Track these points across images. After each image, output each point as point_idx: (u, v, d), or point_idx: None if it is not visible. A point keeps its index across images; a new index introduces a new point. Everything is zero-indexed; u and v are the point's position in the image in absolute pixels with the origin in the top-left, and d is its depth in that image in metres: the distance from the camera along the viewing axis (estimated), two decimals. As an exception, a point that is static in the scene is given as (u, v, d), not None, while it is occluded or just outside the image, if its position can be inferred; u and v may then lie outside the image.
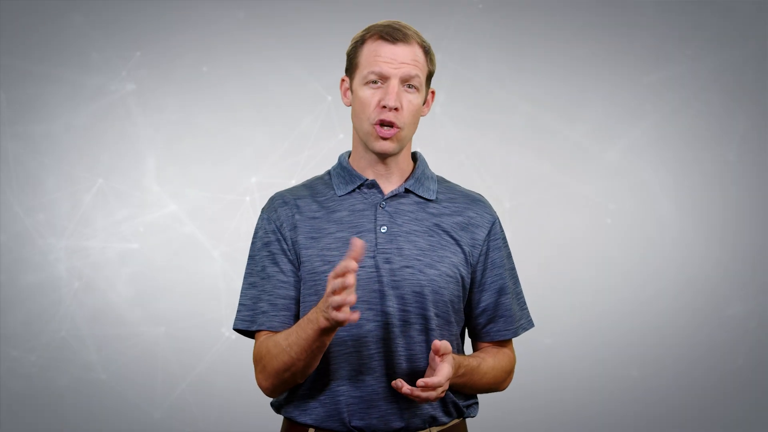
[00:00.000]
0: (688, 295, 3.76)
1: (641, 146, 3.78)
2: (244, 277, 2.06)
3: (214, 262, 3.68)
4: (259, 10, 3.71)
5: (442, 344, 1.85)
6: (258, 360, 1.99)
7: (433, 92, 2.08)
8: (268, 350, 1.95)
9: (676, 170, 3.79)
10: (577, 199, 3.78)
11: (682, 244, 3.77)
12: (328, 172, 2.10)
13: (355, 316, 1.78)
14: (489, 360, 2.04)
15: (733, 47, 3.74)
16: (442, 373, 1.85)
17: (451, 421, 2.03)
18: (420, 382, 1.83)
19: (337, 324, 1.79)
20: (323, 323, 1.81)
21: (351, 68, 2.02)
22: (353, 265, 1.74)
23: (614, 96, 3.78)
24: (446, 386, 1.87)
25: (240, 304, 2.04)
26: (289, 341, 1.90)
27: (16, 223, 3.60)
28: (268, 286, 2.00)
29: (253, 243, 2.07)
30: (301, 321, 1.90)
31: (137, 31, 3.65)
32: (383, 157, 2.01)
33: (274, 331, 1.98)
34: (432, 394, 1.84)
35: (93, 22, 3.63)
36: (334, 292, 1.75)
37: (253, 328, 2.01)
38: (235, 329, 2.04)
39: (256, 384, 2.02)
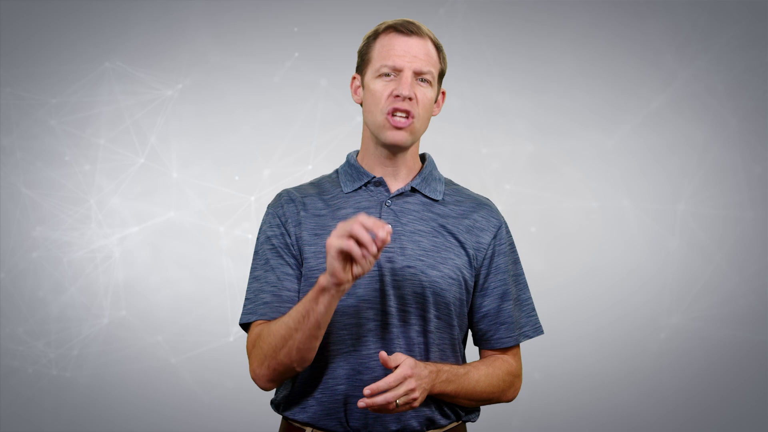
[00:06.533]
0: (687, 295, 3.75)
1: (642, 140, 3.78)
2: (250, 273, 2.04)
3: (219, 258, 3.68)
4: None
5: (390, 358, 1.82)
6: (253, 346, 1.95)
7: (443, 93, 2.07)
8: (269, 330, 1.91)
9: (678, 167, 3.78)
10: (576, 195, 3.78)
11: (686, 244, 3.76)
12: (336, 171, 2.10)
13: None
14: (482, 368, 2.01)
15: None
16: (390, 376, 1.81)
17: (449, 424, 2.01)
18: (366, 390, 1.79)
19: (335, 280, 1.76)
20: (322, 280, 1.78)
21: (363, 64, 2.02)
22: (385, 233, 1.72)
23: (620, 92, 3.77)
24: (401, 391, 1.81)
25: (245, 299, 2.03)
26: (289, 312, 1.88)
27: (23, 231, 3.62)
28: (272, 277, 1.98)
29: (257, 238, 2.06)
30: None
31: (149, 34, 3.67)
32: (394, 150, 1.99)
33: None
34: (389, 396, 1.80)
35: (110, 32, 3.65)
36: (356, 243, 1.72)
37: (253, 319, 1.98)
38: (240, 324, 2.02)
39: (256, 385, 1.98)
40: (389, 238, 1.72)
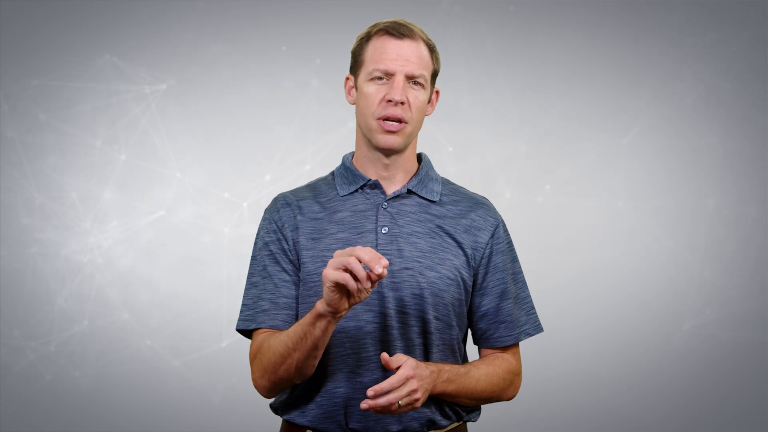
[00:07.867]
0: (688, 295, 3.75)
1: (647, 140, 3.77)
2: (247, 278, 2.04)
3: (218, 259, 3.68)
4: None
5: (392, 359, 1.81)
6: (254, 357, 1.96)
7: (437, 92, 2.06)
8: (269, 345, 1.91)
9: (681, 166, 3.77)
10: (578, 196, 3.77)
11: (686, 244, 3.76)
12: (332, 173, 2.09)
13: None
14: (482, 367, 2.00)
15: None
16: (393, 377, 1.79)
17: (450, 424, 2.01)
18: (369, 391, 1.78)
19: (331, 309, 1.76)
20: (319, 307, 1.79)
21: (356, 65, 2.00)
22: (381, 267, 1.70)
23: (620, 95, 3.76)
24: (404, 392, 1.80)
25: (242, 305, 2.02)
26: (288, 331, 1.88)
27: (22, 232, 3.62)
28: (270, 285, 1.98)
29: (255, 243, 2.06)
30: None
31: (148, 36, 3.67)
32: (388, 153, 1.98)
33: (276, 329, 1.96)
34: (392, 397, 1.78)
35: (108, 31, 3.65)
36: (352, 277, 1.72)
37: (252, 327, 1.98)
38: (237, 330, 2.02)
39: (254, 385, 1.98)
40: (386, 272, 1.72)
